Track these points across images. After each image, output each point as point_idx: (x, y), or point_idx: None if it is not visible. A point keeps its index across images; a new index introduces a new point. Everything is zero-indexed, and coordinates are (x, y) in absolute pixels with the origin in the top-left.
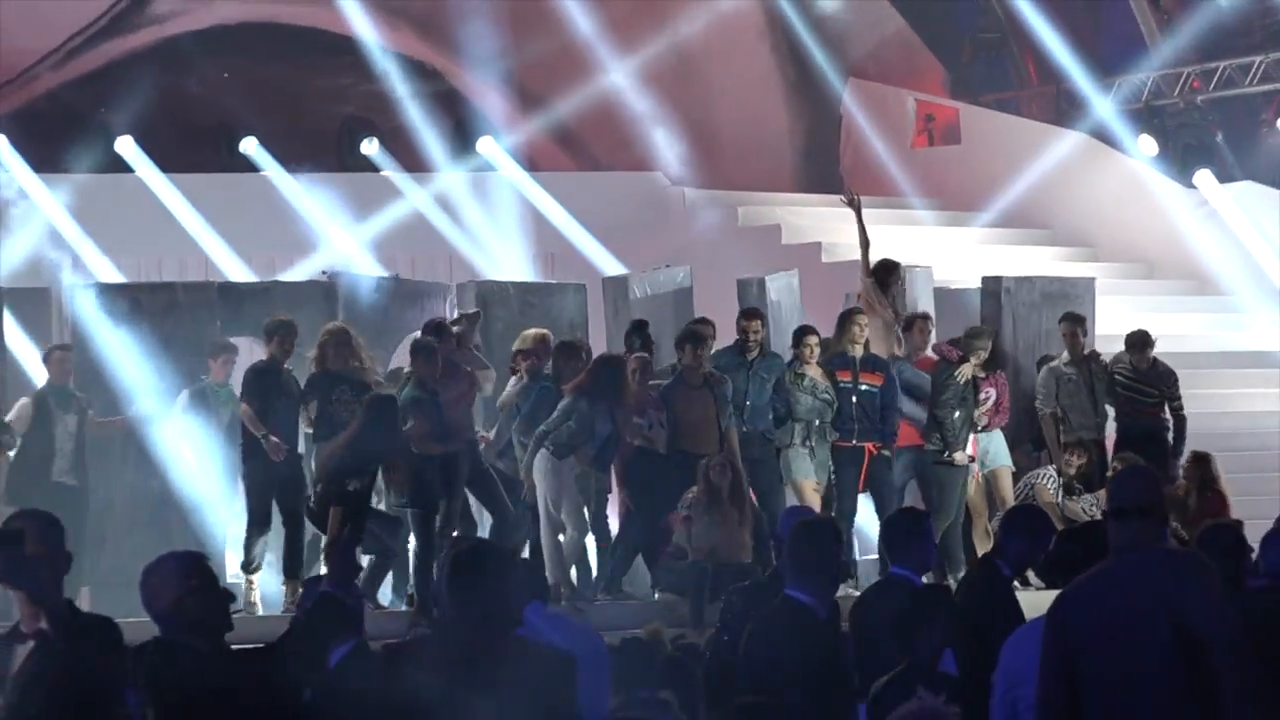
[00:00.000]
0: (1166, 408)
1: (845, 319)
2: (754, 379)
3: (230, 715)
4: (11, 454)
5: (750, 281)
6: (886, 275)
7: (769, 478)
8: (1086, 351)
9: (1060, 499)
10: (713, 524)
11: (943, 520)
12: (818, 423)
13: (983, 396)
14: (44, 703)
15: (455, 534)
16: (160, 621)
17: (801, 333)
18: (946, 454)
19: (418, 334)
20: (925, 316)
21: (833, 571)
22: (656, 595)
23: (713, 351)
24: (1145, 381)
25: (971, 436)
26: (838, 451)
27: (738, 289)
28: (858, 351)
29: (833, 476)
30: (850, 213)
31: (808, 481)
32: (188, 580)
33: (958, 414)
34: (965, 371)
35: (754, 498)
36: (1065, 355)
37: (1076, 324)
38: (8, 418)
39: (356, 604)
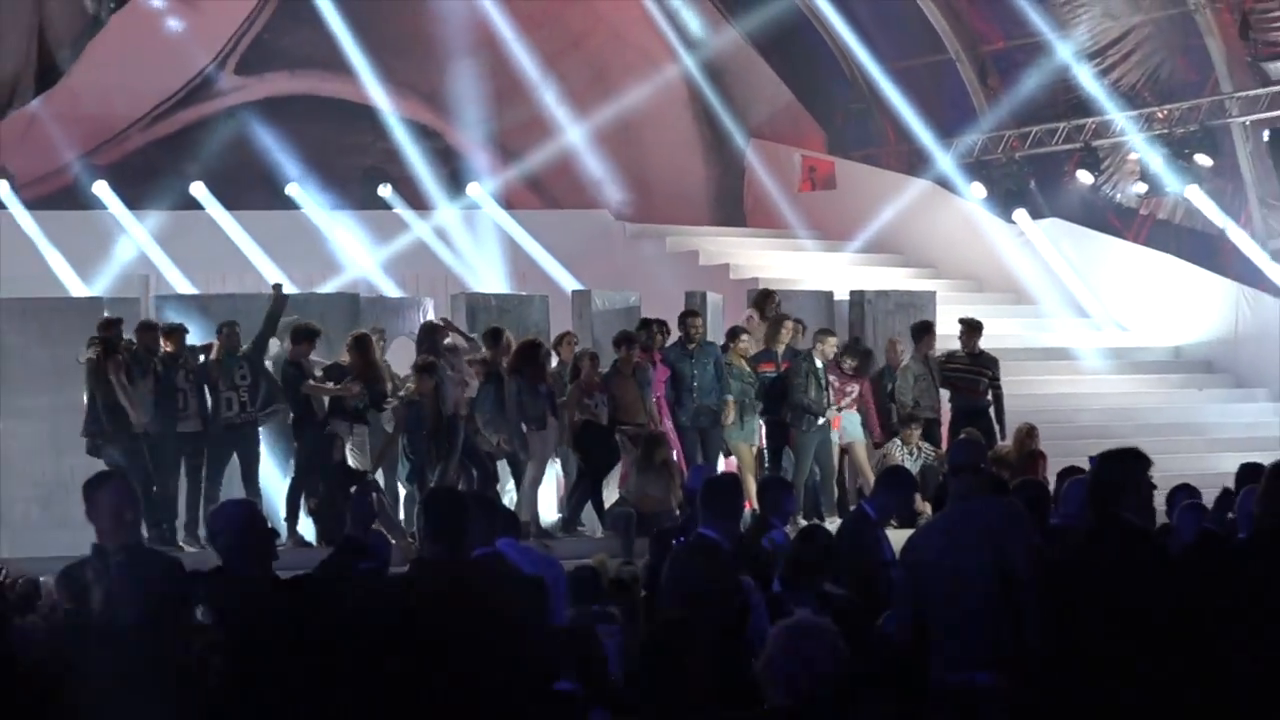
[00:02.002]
0: (989, 391)
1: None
2: (697, 364)
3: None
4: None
5: (696, 293)
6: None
7: (716, 443)
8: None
9: (903, 460)
10: (643, 480)
11: (796, 477)
12: (748, 401)
13: (849, 390)
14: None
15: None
16: (221, 554)
17: (733, 333)
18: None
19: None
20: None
21: (735, 514)
22: (600, 533)
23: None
24: (975, 365)
25: (835, 415)
26: (768, 424)
27: (686, 299)
28: (780, 349)
29: (764, 443)
30: (754, 239)
31: (744, 446)
32: (243, 521)
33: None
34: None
35: (705, 458)
36: (913, 355)
37: (928, 330)
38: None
39: (377, 539)
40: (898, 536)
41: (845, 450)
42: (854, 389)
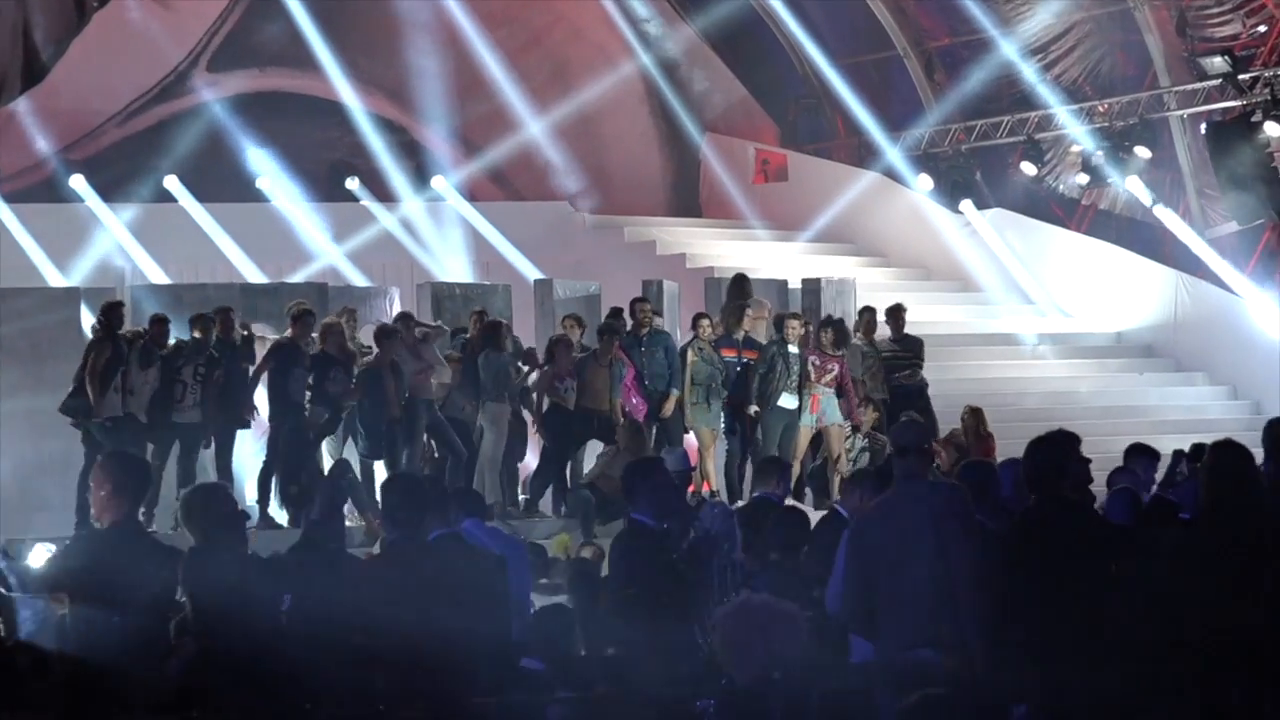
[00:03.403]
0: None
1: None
2: (646, 353)
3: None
4: None
5: (652, 282)
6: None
7: (675, 429)
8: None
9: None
10: (608, 462)
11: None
12: (714, 386)
13: (829, 368)
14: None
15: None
16: (195, 535)
17: (697, 317)
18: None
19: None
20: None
21: (665, 498)
22: (560, 515)
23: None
24: (901, 349)
25: (811, 396)
26: (731, 409)
27: (643, 288)
28: (740, 335)
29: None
30: (710, 229)
31: (706, 430)
32: (216, 504)
33: (760, 377)
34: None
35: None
36: (862, 337)
37: (873, 315)
38: None
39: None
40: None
41: (821, 434)
42: (834, 368)
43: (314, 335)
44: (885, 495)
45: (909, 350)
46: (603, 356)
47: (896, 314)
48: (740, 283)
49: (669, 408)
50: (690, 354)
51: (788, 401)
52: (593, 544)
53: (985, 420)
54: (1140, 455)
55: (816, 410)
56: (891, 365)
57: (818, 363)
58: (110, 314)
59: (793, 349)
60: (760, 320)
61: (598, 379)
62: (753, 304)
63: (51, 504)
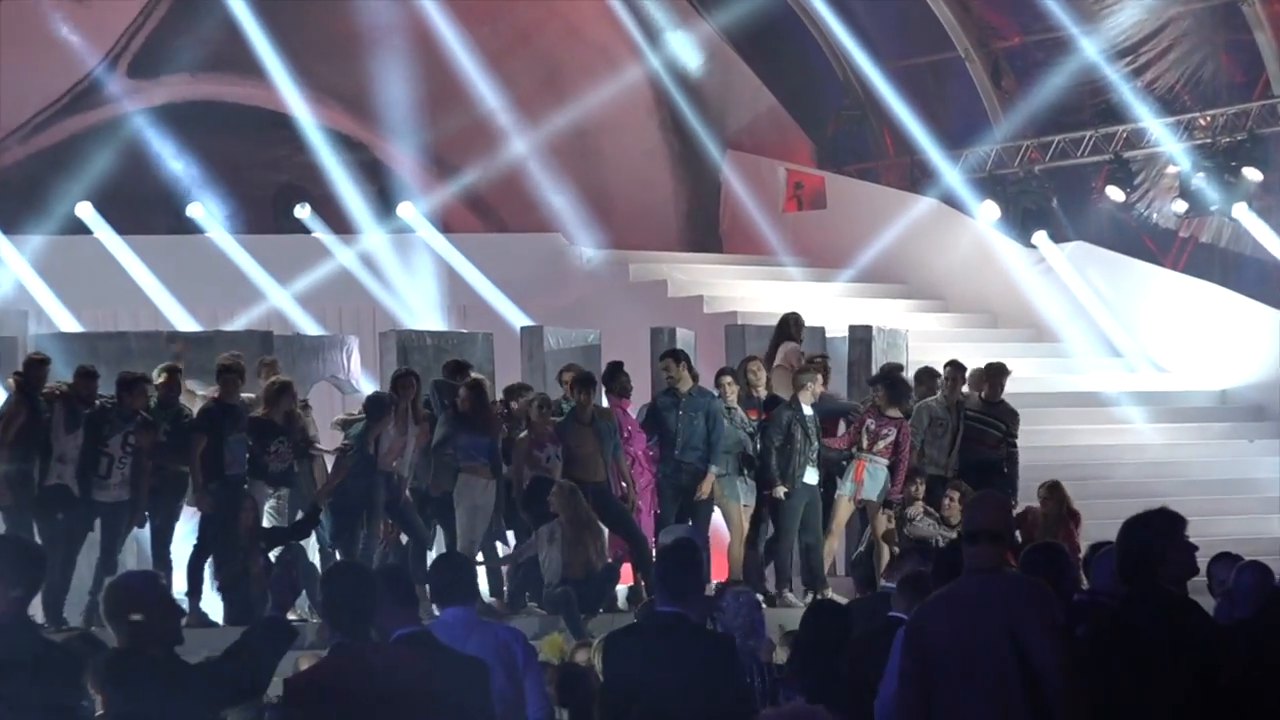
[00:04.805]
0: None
1: (744, 365)
2: (684, 417)
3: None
4: None
5: (662, 330)
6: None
7: (704, 509)
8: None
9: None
10: (558, 550)
11: (779, 544)
12: (740, 453)
13: (885, 433)
14: None
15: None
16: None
17: (720, 374)
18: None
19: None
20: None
21: (696, 585)
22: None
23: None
24: (992, 416)
25: (858, 462)
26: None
27: (651, 337)
28: (761, 394)
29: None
30: (732, 266)
31: (735, 504)
32: (148, 596)
33: (776, 450)
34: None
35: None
36: (940, 396)
37: (959, 371)
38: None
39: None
40: None
41: (861, 509)
42: (890, 433)
43: (247, 395)
44: (949, 588)
45: (1001, 420)
46: (582, 414)
47: (998, 376)
48: (785, 327)
49: (706, 488)
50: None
51: (811, 477)
52: (588, 644)
53: (1068, 497)
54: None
55: (860, 478)
56: (974, 435)
57: (873, 426)
58: (30, 372)
59: (808, 411)
60: (784, 371)
61: (584, 443)
62: (785, 351)
63: None
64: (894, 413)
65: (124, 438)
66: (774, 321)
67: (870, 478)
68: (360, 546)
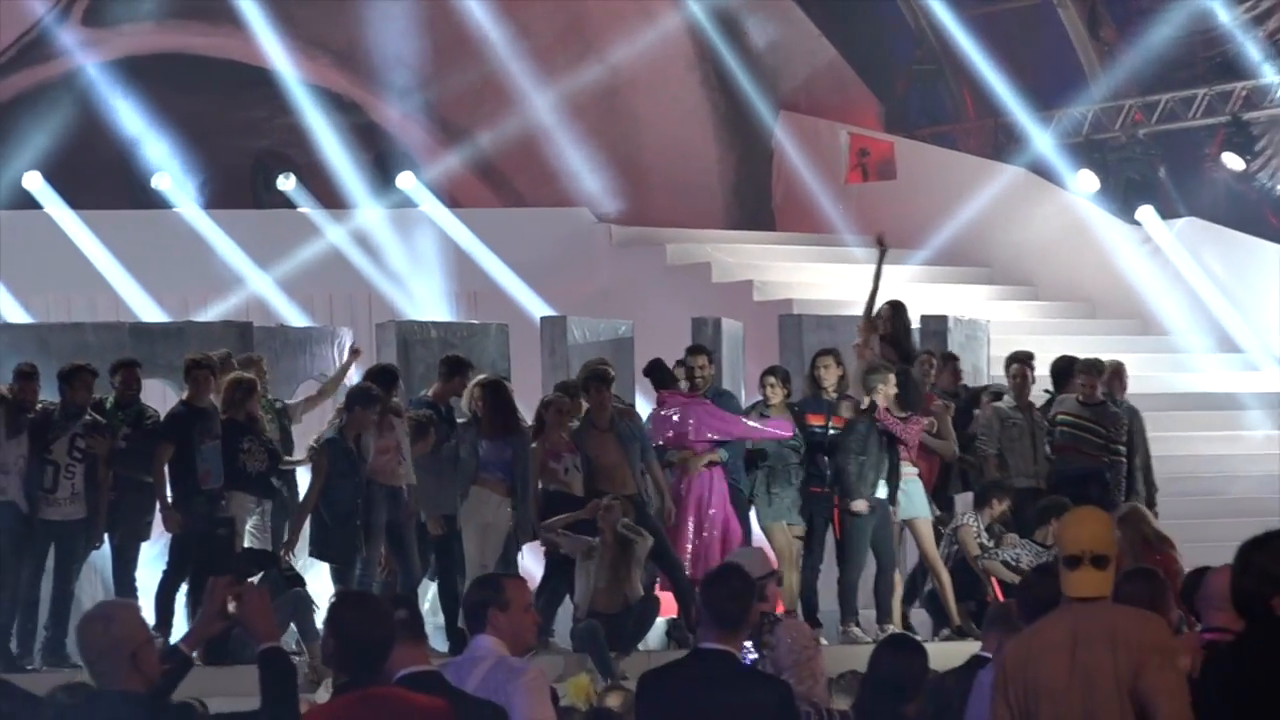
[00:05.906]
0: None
1: (813, 361)
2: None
3: None
4: None
5: (706, 321)
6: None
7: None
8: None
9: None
10: (592, 572)
11: (847, 570)
12: (782, 466)
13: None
14: None
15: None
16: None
17: (763, 374)
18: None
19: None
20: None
21: (743, 618)
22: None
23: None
24: (1090, 420)
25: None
26: (811, 498)
27: (693, 329)
28: (831, 394)
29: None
30: (786, 247)
31: (776, 525)
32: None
33: (856, 461)
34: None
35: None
36: (1010, 397)
37: (1026, 364)
38: None
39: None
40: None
41: (906, 527)
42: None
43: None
44: (1047, 620)
45: (1100, 425)
46: (599, 418)
47: (1118, 376)
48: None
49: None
50: None
51: (882, 491)
52: (620, 687)
53: (1149, 522)
54: None
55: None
56: (1068, 442)
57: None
58: None
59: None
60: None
61: (606, 452)
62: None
63: None
64: (902, 414)
65: (70, 441)
66: (834, 311)
67: (905, 496)
68: (358, 571)
